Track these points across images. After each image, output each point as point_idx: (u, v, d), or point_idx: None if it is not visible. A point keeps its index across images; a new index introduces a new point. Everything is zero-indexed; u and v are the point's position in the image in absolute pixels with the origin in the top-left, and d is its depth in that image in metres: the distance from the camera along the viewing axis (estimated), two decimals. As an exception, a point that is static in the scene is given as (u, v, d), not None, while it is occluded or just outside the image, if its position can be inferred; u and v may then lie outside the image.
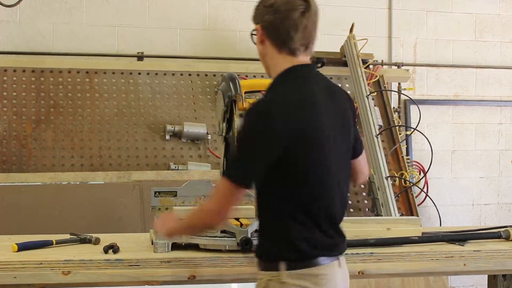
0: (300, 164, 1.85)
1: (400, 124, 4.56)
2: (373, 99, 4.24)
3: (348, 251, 2.25)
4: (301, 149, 1.85)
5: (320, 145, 1.87)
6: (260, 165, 1.83)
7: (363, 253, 2.29)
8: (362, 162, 2.12)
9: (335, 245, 1.94)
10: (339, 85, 4.36)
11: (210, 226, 1.98)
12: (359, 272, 2.28)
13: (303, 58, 1.95)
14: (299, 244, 1.86)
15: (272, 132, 1.81)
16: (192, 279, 2.17)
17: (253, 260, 2.00)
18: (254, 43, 2.00)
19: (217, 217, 1.90)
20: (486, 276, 2.81)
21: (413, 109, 4.73)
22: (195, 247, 2.25)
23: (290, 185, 1.87)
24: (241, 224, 2.24)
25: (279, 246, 1.89)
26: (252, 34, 2.00)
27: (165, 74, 4.29)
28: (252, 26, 1.99)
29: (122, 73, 4.23)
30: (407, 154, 4.58)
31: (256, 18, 1.97)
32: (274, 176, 1.86)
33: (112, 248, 2.24)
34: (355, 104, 4.16)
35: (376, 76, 4.40)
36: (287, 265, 1.86)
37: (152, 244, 2.31)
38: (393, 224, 2.55)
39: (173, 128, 4.08)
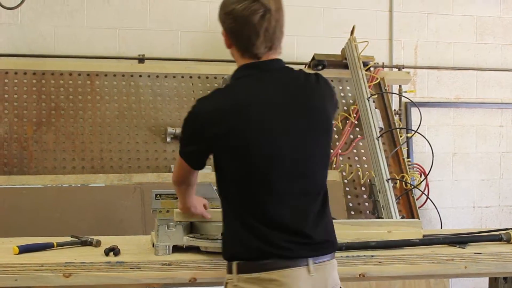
0: (230, 165, 1.86)
1: (401, 127, 4.55)
2: (374, 101, 4.24)
3: (349, 253, 2.26)
4: (225, 151, 1.85)
5: (252, 146, 1.82)
6: (192, 151, 1.94)
7: (364, 255, 2.29)
8: None
9: (298, 250, 1.83)
10: (340, 87, 4.40)
11: (175, 187, 2.19)
12: (360, 275, 2.27)
13: (268, 58, 1.93)
14: (248, 244, 1.82)
15: (195, 128, 1.89)
16: (193, 282, 2.17)
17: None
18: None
19: (176, 181, 2.13)
20: (487, 278, 2.81)
21: (414, 111, 4.73)
22: (196, 250, 2.25)
23: (231, 183, 1.88)
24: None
25: (232, 246, 1.88)
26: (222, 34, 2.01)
27: (166, 77, 4.29)
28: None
29: (123, 76, 4.23)
30: (408, 157, 4.58)
31: (220, 23, 1.96)
32: (218, 173, 1.92)
33: (113, 250, 2.24)
34: (356, 106, 4.21)
35: (377, 79, 4.40)
36: (238, 267, 1.84)
37: (153, 246, 2.31)
38: (394, 226, 2.54)
39: (174, 131, 4.08)
